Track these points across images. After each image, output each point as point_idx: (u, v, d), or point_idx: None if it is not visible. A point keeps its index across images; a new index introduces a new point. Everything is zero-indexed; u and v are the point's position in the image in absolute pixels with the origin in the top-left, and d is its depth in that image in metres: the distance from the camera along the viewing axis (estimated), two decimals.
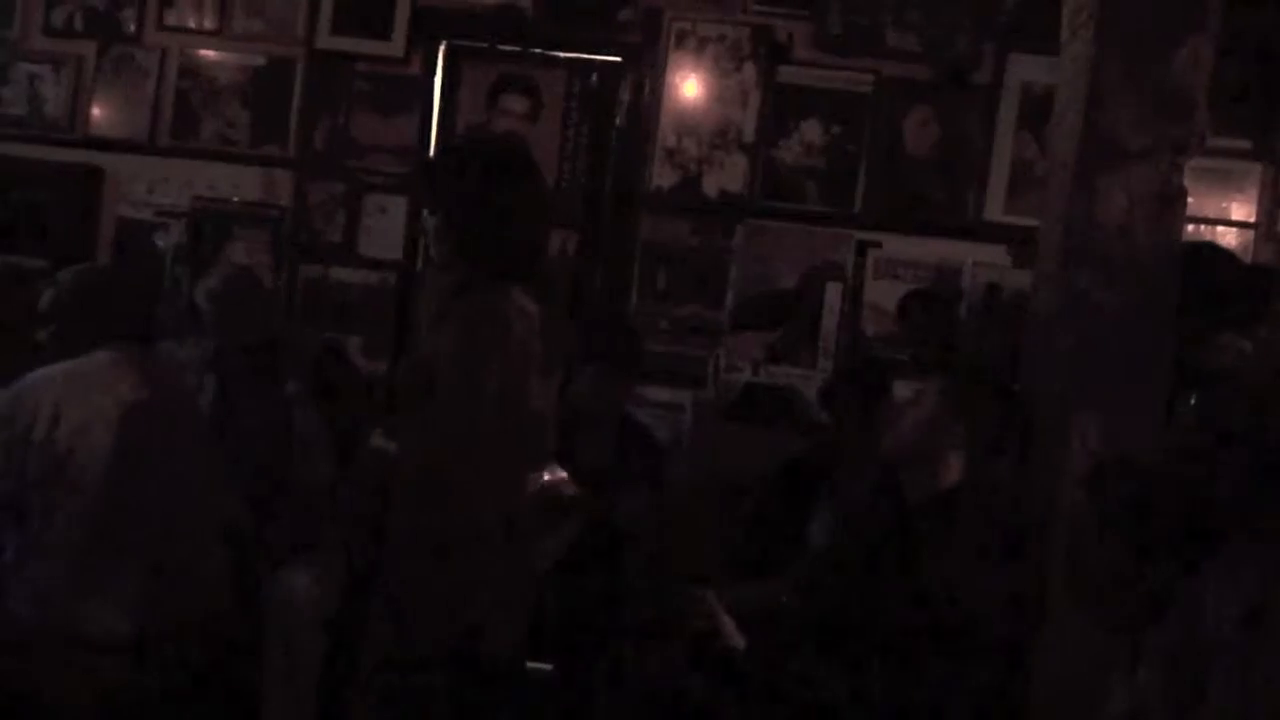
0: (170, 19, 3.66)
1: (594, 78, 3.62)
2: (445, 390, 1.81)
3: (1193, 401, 2.03)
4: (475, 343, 1.82)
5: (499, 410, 1.82)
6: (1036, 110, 3.29)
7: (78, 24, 3.69)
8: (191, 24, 3.65)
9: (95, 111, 3.69)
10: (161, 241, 3.65)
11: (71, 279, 2.28)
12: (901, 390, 2.21)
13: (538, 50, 3.60)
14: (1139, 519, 1.57)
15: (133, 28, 3.67)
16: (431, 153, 3.56)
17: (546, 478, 2.29)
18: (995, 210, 3.42)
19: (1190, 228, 3.00)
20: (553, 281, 2.09)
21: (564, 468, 2.66)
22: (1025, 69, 3.36)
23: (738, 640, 2.02)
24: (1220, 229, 3.40)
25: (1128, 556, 1.57)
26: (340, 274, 3.61)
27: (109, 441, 2.12)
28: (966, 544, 1.89)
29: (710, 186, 3.50)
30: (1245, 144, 3.36)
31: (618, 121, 3.59)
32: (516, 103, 3.62)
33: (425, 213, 1.97)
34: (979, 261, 3.41)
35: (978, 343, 3.35)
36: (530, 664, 2.39)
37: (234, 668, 2.45)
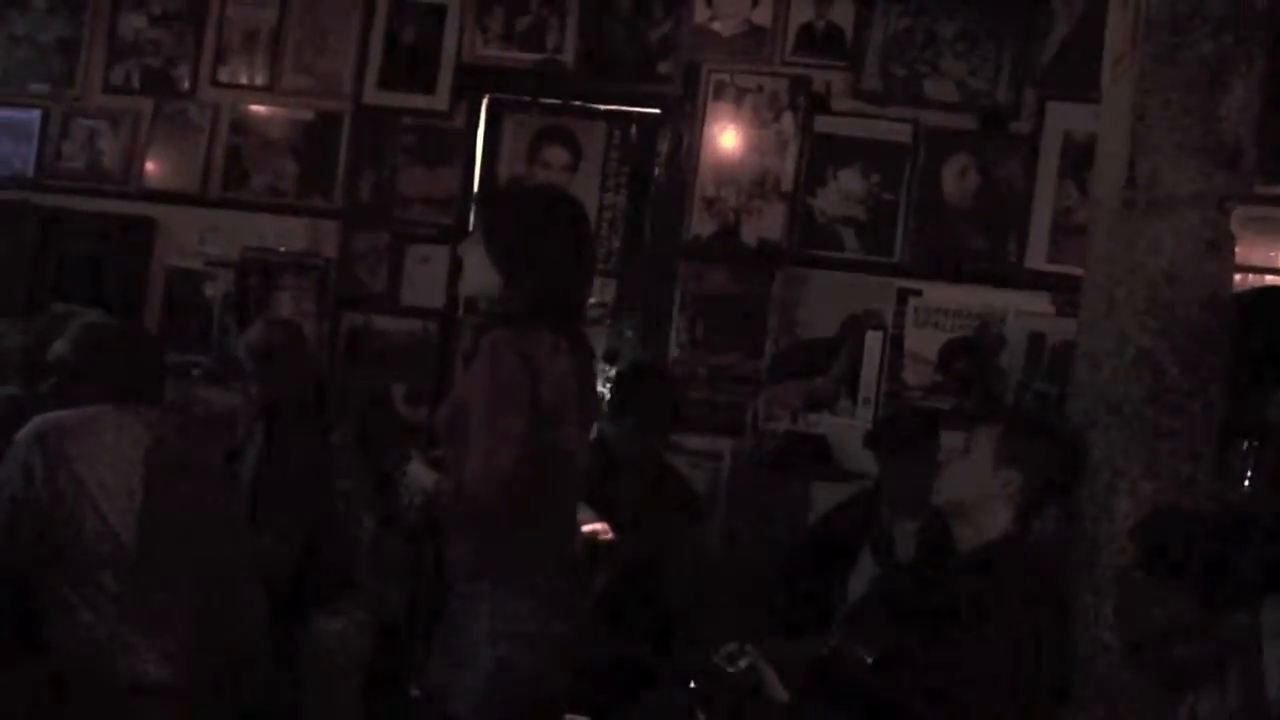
0: (223, 76, 3.78)
1: (633, 129, 3.67)
2: (476, 422, 1.80)
3: (1245, 449, 1.98)
4: (500, 374, 1.81)
5: (536, 442, 1.79)
6: (1078, 157, 3.28)
7: (135, 82, 3.82)
8: (243, 80, 3.77)
9: (149, 165, 3.80)
10: (211, 291, 3.73)
11: (76, 334, 2.29)
12: (946, 439, 2.18)
13: (578, 103, 3.66)
14: (1190, 570, 1.53)
15: (187, 84, 3.79)
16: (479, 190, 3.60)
17: (584, 527, 2.28)
18: (1037, 258, 3.39)
19: (1239, 276, 2.95)
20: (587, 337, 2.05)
21: (600, 516, 2.66)
22: (1065, 116, 3.35)
23: (780, 694, 1.99)
24: (1270, 278, 3.34)
25: (1180, 610, 1.52)
26: (383, 323, 3.66)
27: (95, 490, 2.12)
28: (1014, 596, 1.85)
29: (749, 235, 3.52)
30: None
31: (657, 172, 3.62)
32: (557, 154, 3.68)
33: (463, 247, 1.97)
34: (1022, 310, 3.37)
35: (1021, 392, 3.31)
36: (569, 717, 2.36)
37: (273, 714, 2.45)
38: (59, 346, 2.28)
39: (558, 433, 1.85)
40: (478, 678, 1.84)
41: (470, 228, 2.00)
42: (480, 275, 1.92)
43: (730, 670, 2.00)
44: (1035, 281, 3.37)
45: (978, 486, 1.93)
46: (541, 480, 1.81)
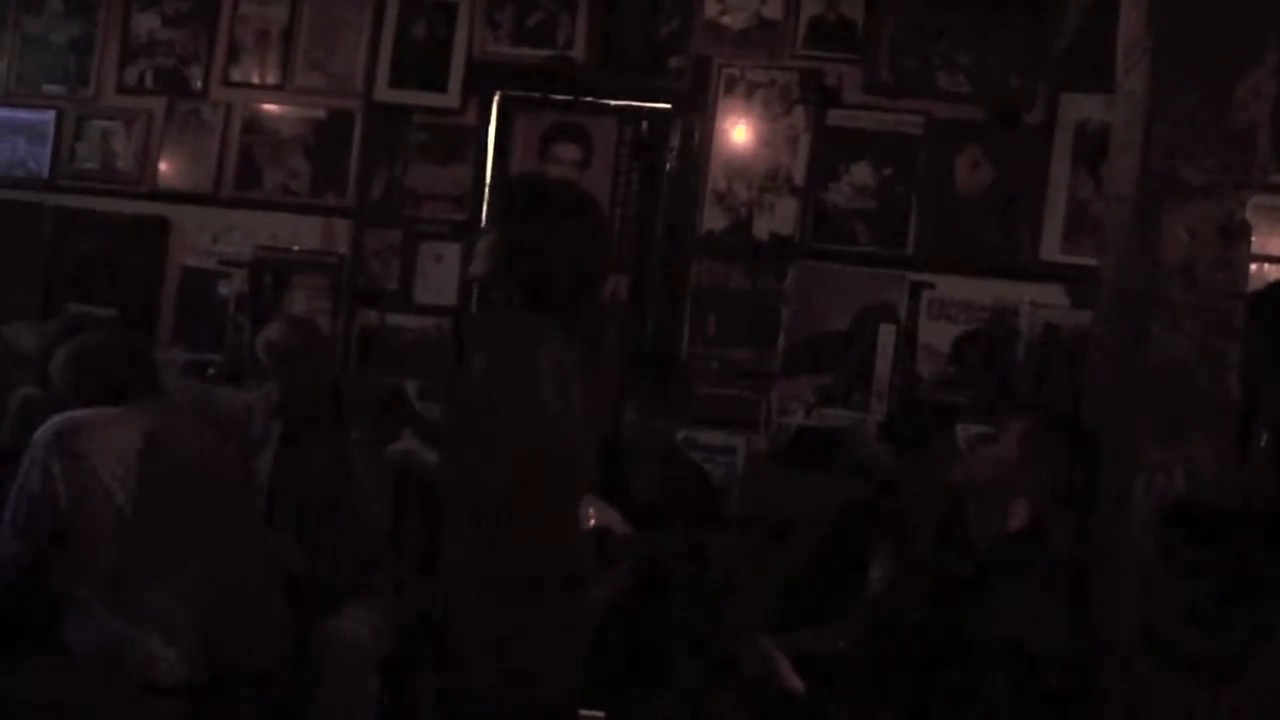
0: (235, 75, 3.79)
1: (644, 125, 3.66)
2: (481, 408, 1.79)
3: (1265, 442, 1.96)
4: (502, 359, 1.80)
5: (537, 431, 1.78)
6: (1091, 148, 3.27)
7: (148, 82, 3.84)
8: (255, 79, 3.78)
9: (163, 165, 3.81)
10: (224, 290, 3.74)
11: (65, 356, 2.31)
12: (964, 432, 2.17)
13: (589, 99, 3.65)
14: (1211, 563, 1.52)
15: (199, 84, 3.81)
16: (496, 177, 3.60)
17: (596, 519, 2.27)
18: (1051, 250, 3.38)
19: (1254, 266, 2.93)
20: (602, 332, 2.03)
21: (615, 506, 2.65)
22: (1079, 107, 3.33)
23: (796, 684, 1.99)
24: None
25: (1202, 602, 1.52)
26: (397, 320, 3.67)
27: (112, 488, 2.13)
28: (1032, 588, 1.84)
29: (761, 229, 3.51)
30: None
31: (668, 167, 3.62)
32: (568, 151, 3.68)
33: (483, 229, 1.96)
34: (1036, 302, 3.36)
35: (1036, 385, 3.29)
36: (583, 712, 2.37)
37: (289, 710, 2.46)
38: (53, 366, 2.31)
39: (557, 428, 1.82)
40: (477, 678, 1.83)
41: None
42: (487, 260, 1.92)
43: (746, 661, 2.00)
44: (1049, 273, 3.36)
45: (1002, 476, 1.92)
46: (540, 475, 1.79)
